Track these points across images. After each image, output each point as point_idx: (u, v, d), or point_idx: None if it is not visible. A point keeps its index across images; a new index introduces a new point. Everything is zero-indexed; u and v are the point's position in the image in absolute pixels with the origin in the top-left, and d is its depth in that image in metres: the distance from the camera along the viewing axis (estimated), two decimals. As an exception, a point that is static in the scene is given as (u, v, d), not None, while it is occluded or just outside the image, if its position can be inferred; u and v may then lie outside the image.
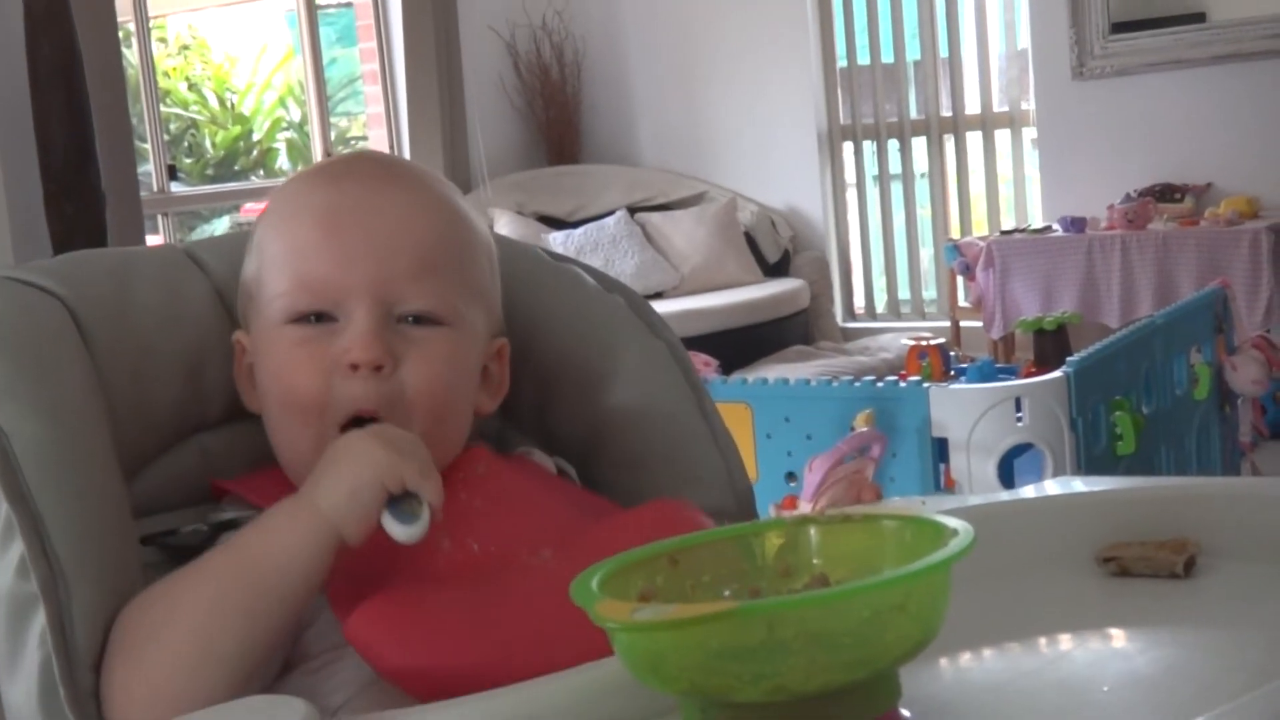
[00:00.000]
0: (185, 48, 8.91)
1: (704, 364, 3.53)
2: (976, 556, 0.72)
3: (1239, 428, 3.62)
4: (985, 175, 5.96)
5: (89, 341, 1.05)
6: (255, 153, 8.87)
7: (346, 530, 0.94)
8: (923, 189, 6.12)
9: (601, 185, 6.12)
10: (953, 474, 2.75)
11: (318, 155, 5.97)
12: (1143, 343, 3.09)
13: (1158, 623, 0.90)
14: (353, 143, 8.05)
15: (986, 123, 5.92)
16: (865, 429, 2.78)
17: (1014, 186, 5.94)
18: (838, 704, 0.70)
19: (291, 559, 0.93)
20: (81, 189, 3.09)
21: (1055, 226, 5.22)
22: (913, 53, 6.06)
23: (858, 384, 2.97)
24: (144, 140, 5.33)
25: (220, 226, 8.01)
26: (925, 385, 2.87)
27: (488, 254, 1.13)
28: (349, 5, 6.63)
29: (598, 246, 5.69)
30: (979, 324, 5.33)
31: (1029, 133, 5.80)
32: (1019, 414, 2.72)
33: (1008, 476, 2.75)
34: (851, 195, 6.23)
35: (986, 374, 3.18)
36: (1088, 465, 2.76)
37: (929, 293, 6.20)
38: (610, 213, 5.91)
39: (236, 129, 8.82)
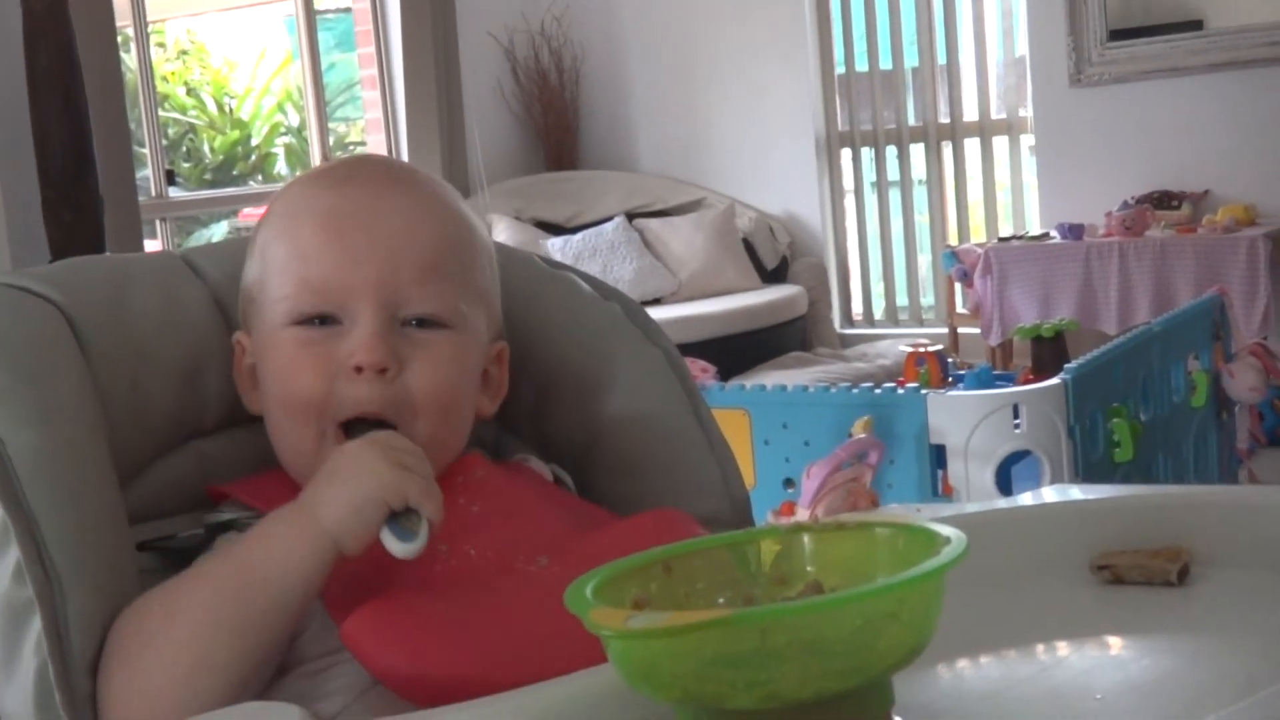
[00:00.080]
0: (184, 52, 8.92)
1: (702, 370, 3.53)
2: (971, 563, 0.72)
3: (1236, 435, 3.63)
4: (983, 182, 5.96)
5: (86, 348, 1.05)
6: (253, 158, 8.88)
7: (346, 543, 0.94)
8: (921, 196, 6.13)
9: (600, 191, 6.13)
10: (950, 481, 2.76)
11: (316, 160, 5.97)
12: (1140, 350, 3.09)
13: (1151, 630, 0.90)
14: (351, 148, 8.06)
15: (984, 129, 5.93)
16: (863, 435, 2.79)
17: (1012, 193, 5.95)
18: (831, 711, 0.70)
19: (289, 570, 0.94)
20: (79, 194, 3.09)
21: (1053, 233, 5.23)
22: (911, 60, 6.07)
23: (855, 391, 2.97)
24: (142, 145, 5.34)
25: (218, 231, 8.01)
26: (923, 392, 2.87)
27: (488, 257, 1.14)
28: (348, 10, 6.64)
29: (596, 252, 5.70)
30: (977, 331, 5.33)
31: (1027, 140, 5.81)
32: (1016, 421, 2.72)
33: (1005, 483, 2.75)
34: (850, 202, 6.23)
35: (984, 381, 3.18)
36: (1085, 472, 2.77)
37: (927, 299, 6.20)
38: (608, 219, 5.91)
39: (235, 134, 8.83)
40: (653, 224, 5.95)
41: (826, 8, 6.07)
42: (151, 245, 5.09)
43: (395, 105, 6.00)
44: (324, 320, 1.04)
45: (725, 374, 3.96)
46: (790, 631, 0.69)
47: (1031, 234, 5.39)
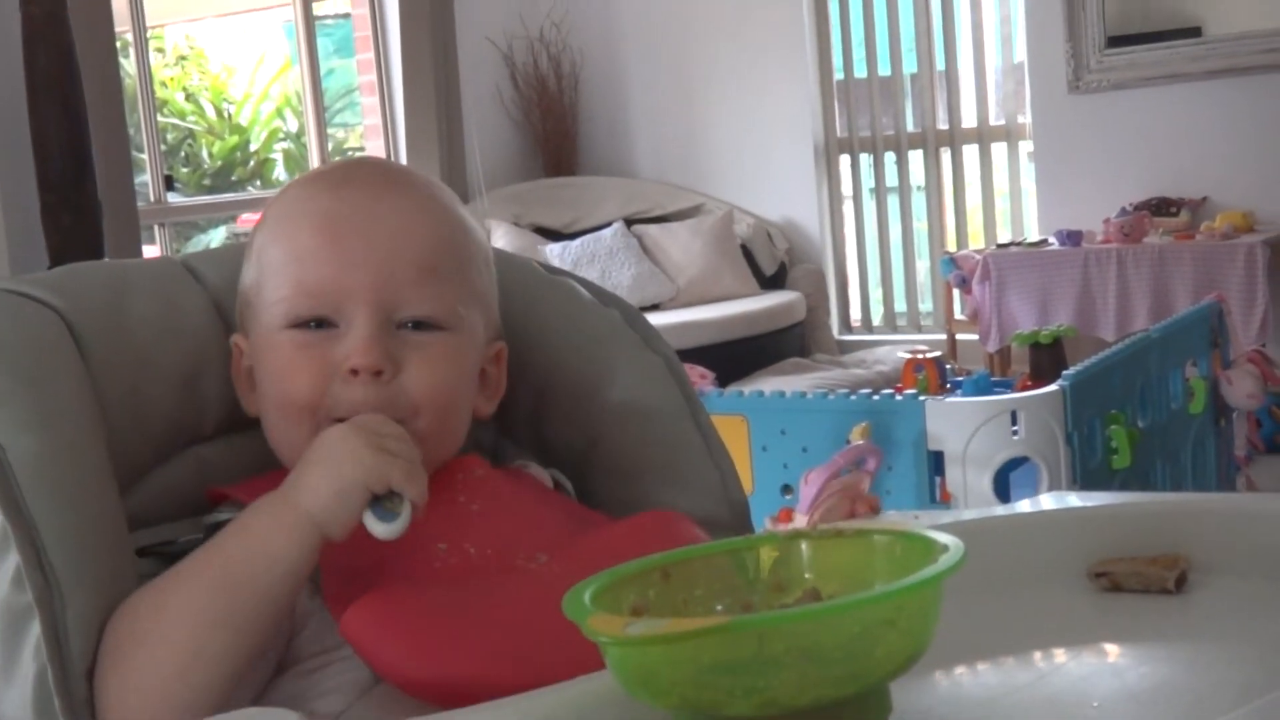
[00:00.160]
0: (183, 58, 8.92)
1: (700, 376, 3.53)
2: (969, 570, 0.72)
3: (1234, 442, 3.63)
4: (981, 188, 5.97)
5: (85, 353, 1.05)
6: (252, 163, 8.88)
7: (330, 529, 0.95)
8: (919, 202, 6.13)
9: (598, 197, 6.13)
10: (948, 487, 2.76)
11: (314, 166, 5.97)
12: (1138, 357, 3.09)
13: (1149, 638, 0.90)
14: (350, 153, 8.06)
15: (983, 136, 5.94)
16: (861, 442, 2.79)
17: (1010, 200, 5.95)
18: (829, 718, 0.70)
19: (275, 560, 0.94)
20: (78, 199, 3.09)
21: (1051, 240, 5.23)
22: (909, 66, 6.07)
23: (854, 397, 2.97)
24: (141, 151, 5.34)
25: (217, 237, 8.02)
26: (921, 398, 2.87)
27: (485, 258, 1.14)
28: (347, 16, 6.64)
29: (594, 258, 5.70)
30: (975, 337, 5.33)
31: (1025, 146, 5.81)
32: (1015, 427, 2.72)
33: (1003, 490, 2.75)
34: (848, 208, 6.23)
35: (982, 387, 3.18)
36: (1083, 479, 2.77)
37: (925, 305, 6.20)
38: (607, 224, 5.92)
39: (234, 139, 8.83)
40: (651, 230, 5.95)
41: (825, 13, 6.08)
42: (150, 251, 5.09)
43: (394, 111, 6.00)
44: (320, 323, 1.05)
45: (723, 380, 3.96)
46: (788, 639, 0.69)
47: (1030, 240, 5.39)
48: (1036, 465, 2.72)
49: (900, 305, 6.20)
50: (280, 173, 8.74)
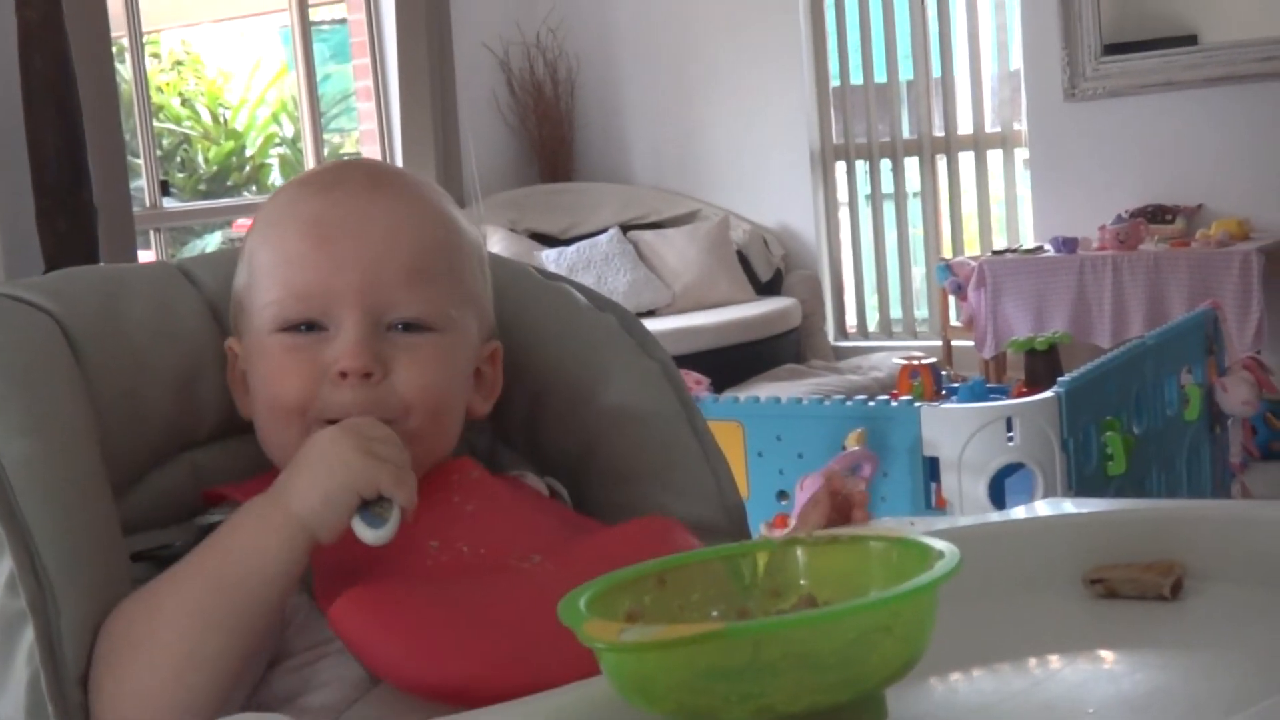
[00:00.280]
0: (179, 63, 8.92)
1: (696, 382, 3.53)
2: (964, 576, 0.72)
3: (1229, 449, 3.63)
4: (977, 195, 5.97)
5: (80, 358, 1.05)
6: (248, 168, 8.88)
7: (319, 533, 0.95)
8: (915, 208, 6.13)
9: (594, 203, 6.13)
10: (944, 493, 2.76)
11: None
12: (1134, 363, 3.09)
13: (1144, 645, 0.90)
14: (343, 159, 8.05)
15: (979, 143, 5.94)
16: (857, 448, 2.79)
17: (1006, 206, 5.96)
18: (824, 725, 0.70)
19: (266, 562, 0.94)
20: (74, 204, 3.09)
21: (1047, 247, 5.23)
22: (906, 73, 6.08)
23: (849, 403, 2.97)
24: (137, 156, 5.34)
25: (212, 242, 8.01)
26: (917, 405, 2.87)
27: (478, 258, 1.14)
28: (343, 22, 6.64)
29: (590, 264, 5.70)
30: (970, 343, 5.33)
31: (1021, 153, 5.82)
32: (1010, 434, 2.72)
33: (999, 496, 2.75)
34: (844, 214, 6.23)
35: (978, 394, 3.18)
36: (1079, 485, 2.77)
37: (921, 312, 6.21)
38: (603, 230, 5.92)
39: (229, 145, 8.82)
40: (647, 236, 5.95)
41: (822, 20, 6.08)
42: (146, 256, 5.09)
43: (390, 116, 6.00)
44: (310, 326, 1.05)
45: (719, 386, 3.96)
46: (783, 645, 0.69)
47: (1025, 247, 5.39)
48: (1032, 472, 2.72)
49: (896, 311, 6.20)
50: (276, 178, 8.74)
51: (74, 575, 0.95)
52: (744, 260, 5.92)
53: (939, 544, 0.75)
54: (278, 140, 8.88)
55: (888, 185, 6.15)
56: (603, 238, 5.86)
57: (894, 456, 2.81)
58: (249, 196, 7.95)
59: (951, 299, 5.50)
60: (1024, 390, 3.28)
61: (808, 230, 6.14)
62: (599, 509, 1.19)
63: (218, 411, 1.14)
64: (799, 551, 0.82)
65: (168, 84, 8.77)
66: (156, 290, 1.14)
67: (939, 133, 6.01)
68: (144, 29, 5.47)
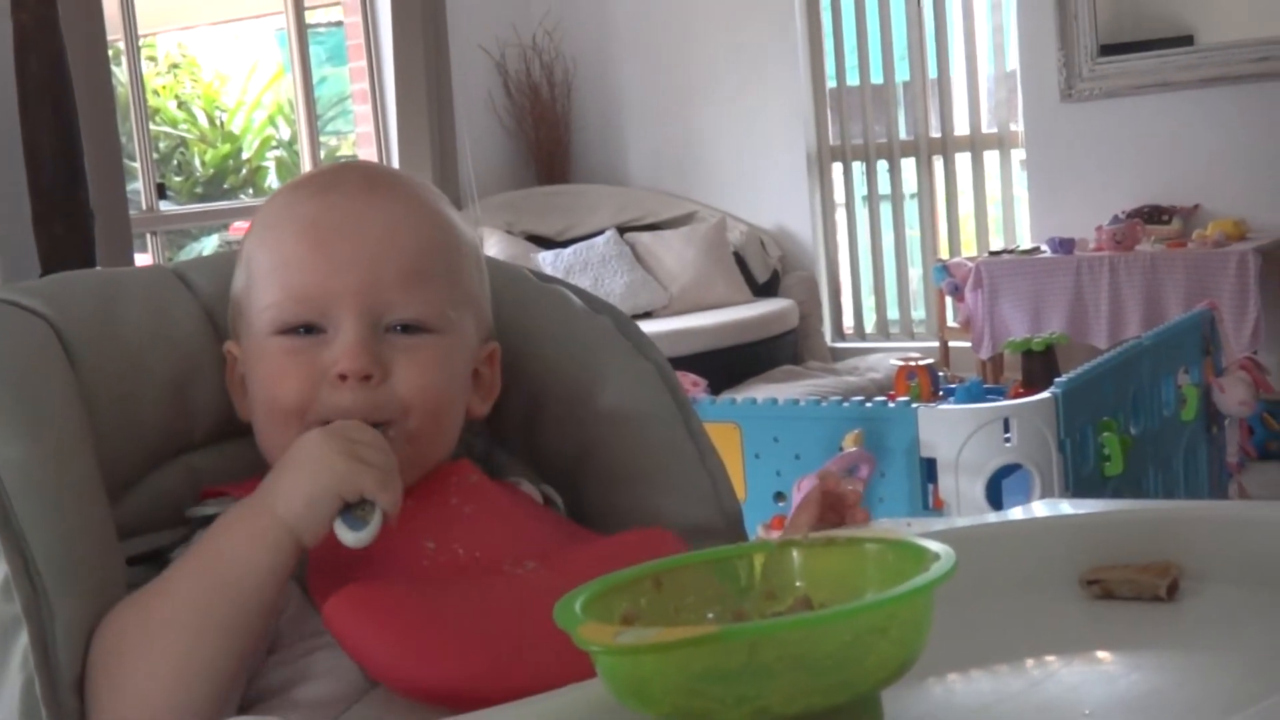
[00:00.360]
0: (175, 66, 8.92)
1: (693, 384, 3.53)
2: (961, 577, 0.72)
3: (1226, 449, 3.63)
4: (974, 196, 5.97)
5: (75, 362, 1.05)
6: (244, 171, 8.88)
7: (303, 536, 0.95)
8: (911, 209, 6.13)
9: (591, 205, 6.13)
10: (941, 494, 2.76)
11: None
12: (1131, 364, 3.10)
13: (1140, 646, 0.90)
14: (340, 161, 8.05)
15: (975, 144, 5.94)
16: (854, 449, 2.79)
17: (1002, 207, 5.96)
18: (820, 727, 0.70)
19: (253, 566, 0.94)
20: (70, 207, 3.09)
21: (1043, 247, 5.24)
22: (902, 74, 6.08)
23: (846, 404, 2.97)
24: (133, 159, 5.33)
25: (209, 245, 8.01)
26: (914, 406, 2.87)
27: (475, 259, 1.14)
28: (339, 24, 6.64)
29: (587, 266, 5.70)
30: (967, 344, 5.33)
31: (1018, 154, 5.82)
32: (1007, 435, 2.72)
33: (996, 497, 2.75)
34: (841, 215, 6.23)
35: (975, 395, 3.18)
36: (1076, 486, 2.77)
37: (917, 313, 6.21)
38: (600, 232, 5.92)
39: (226, 147, 8.82)
40: (644, 238, 5.95)
41: (818, 22, 6.08)
42: (142, 259, 5.08)
43: (386, 119, 6.00)
44: (308, 329, 1.05)
45: (716, 388, 3.96)
46: (779, 647, 0.69)
47: (1022, 248, 5.39)
48: (1029, 472, 2.72)
49: (893, 313, 6.20)
50: (273, 180, 8.74)
51: (69, 580, 0.95)
52: (741, 262, 5.93)
53: (935, 546, 0.75)
54: (274, 143, 8.89)
55: (884, 186, 6.15)
56: (599, 240, 5.86)
57: (891, 457, 2.81)
58: (246, 199, 7.95)
59: (948, 300, 5.50)
60: (1021, 391, 3.28)
61: (804, 231, 6.14)
62: (595, 511, 1.19)
63: (213, 415, 1.14)
64: (795, 553, 0.82)
65: (164, 87, 8.77)
66: (152, 294, 1.14)
67: (935, 134, 6.01)
68: (140, 32, 5.46)
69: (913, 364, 3.53)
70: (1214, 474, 3.53)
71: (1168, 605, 0.95)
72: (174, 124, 8.76)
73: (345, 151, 8.15)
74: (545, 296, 1.26)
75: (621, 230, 5.96)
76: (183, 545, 1.04)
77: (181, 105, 8.88)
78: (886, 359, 5.16)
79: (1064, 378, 2.85)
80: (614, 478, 1.20)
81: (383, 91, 6.00)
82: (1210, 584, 0.97)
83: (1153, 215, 5.20)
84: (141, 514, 1.10)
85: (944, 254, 5.89)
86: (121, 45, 5.31)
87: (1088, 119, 5.44)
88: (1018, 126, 5.75)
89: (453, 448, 1.11)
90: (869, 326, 6.26)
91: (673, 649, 0.68)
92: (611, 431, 1.20)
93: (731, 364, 5.23)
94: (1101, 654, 0.89)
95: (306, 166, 5.99)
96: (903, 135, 6.09)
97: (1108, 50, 5.40)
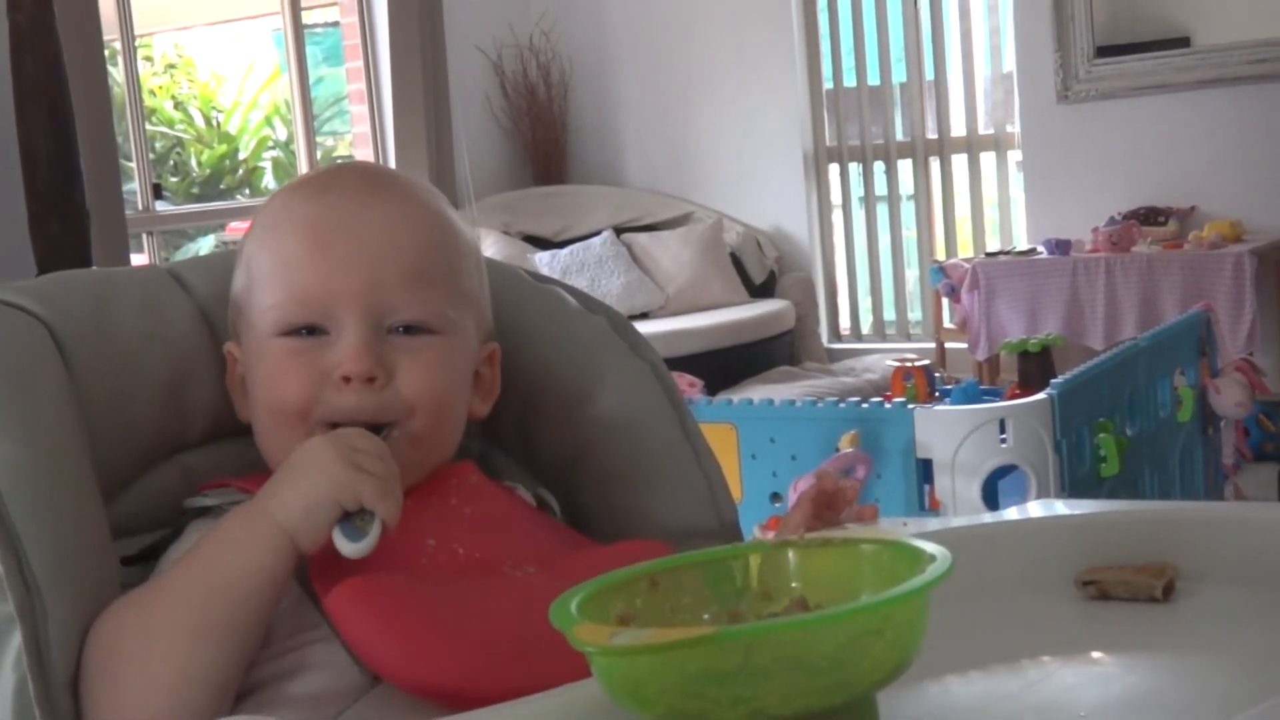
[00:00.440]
0: (171, 66, 8.91)
1: (689, 384, 3.53)
2: (957, 578, 0.72)
3: (1222, 450, 3.63)
4: (970, 197, 5.97)
5: (69, 361, 1.05)
6: (241, 171, 8.87)
7: (301, 542, 0.95)
8: (908, 210, 6.14)
9: (588, 206, 6.13)
10: (937, 495, 2.76)
11: (303, 174, 5.94)
12: (1127, 365, 3.10)
13: (1136, 647, 0.90)
14: (338, 161, 8.04)
15: (972, 145, 5.94)
16: (850, 450, 2.79)
17: (999, 209, 5.96)
18: (816, 728, 0.70)
19: (251, 571, 0.94)
20: (66, 207, 3.08)
21: (1040, 249, 5.24)
22: (898, 75, 6.08)
23: (843, 405, 2.97)
24: (129, 159, 5.33)
25: (205, 245, 8.00)
26: (910, 407, 2.87)
27: (475, 259, 1.14)
28: (336, 25, 6.63)
29: (584, 267, 5.70)
30: (964, 345, 5.34)
31: (1014, 155, 5.82)
32: (1003, 436, 2.72)
33: (992, 498, 2.75)
34: (837, 216, 6.24)
35: (971, 396, 3.18)
36: (1072, 487, 2.77)
37: (914, 314, 6.21)
38: (596, 233, 5.92)
39: (222, 148, 8.82)
40: (640, 238, 5.95)
41: (815, 23, 6.09)
42: (138, 259, 5.07)
43: (383, 119, 5.99)
44: (311, 331, 1.05)
45: (712, 388, 3.96)
46: (775, 648, 0.69)
47: (1019, 249, 5.40)
48: (1025, 473, 2.72)
49: (889, 314, 6.21)
50: (269, 181, 8.73)
51: (62, 579, 0.94)
52: (737, 262, 5.93)
53: (931, 547, 0.74)
54: (271, 143, 8.88)
55: (881, 187, 6.15)
56: (596, 240, 5.86)
57: (887, 458, 2.81)
58: (242, 200, 7.94)
59: (945, 301, 5.50)
60: (1017, 392, 3.27)
61: (801, 232, 6.14)
62: (591, 511, 1.19)
63: (208, 415, 1.13)
64: (791, 554, 0.82)
65: (160, 87, 8.76)
66: (146, 294, 1.14)
67: (932, 135, 6.01)
68: (136, 32, 5.46)
69: (909, 365, 3.53)
70: (1210, 475, 3.53)
71: (1164, 606, 0.95)
72: (170, 124, 8.75)
73: (342, 152, 8.15)
74: (540, 296, 1.26)
75: (618, 231, 5.96)
76: (176, 538, 1.04)
77: (178, 105, 8.87)
78: (883, 360, 5.17)
79: (1060, 379, 2.86)
80: (610, 478, 1.20)
81: (379, 92, 6.00)
82: (1206, 585, 0.97)
83: (1149, 217, 5.20)
84: (135, 514, 1.09)
85: (940, 255, 5.89)
86: (118, 45, 5.31)
87: (1084, 120, 5.45)
88: (1014, 128, 5.75)
89: (455, 449, 1.11)
90: (865, 327, 6.26)
91: (668, 650, 0.68)
92: (607, 432, 1.20)
93: (728, 365, 5.23)
94: (1097, 655, 0.89)
95: (303, 167, 5.99)
96: (899, 136, 6.09)
97: (1104, 52, 5.40)
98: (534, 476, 1.22)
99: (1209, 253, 4.82)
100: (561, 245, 5.88)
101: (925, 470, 2.78)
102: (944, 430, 2.73)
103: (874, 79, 6.10)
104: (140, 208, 5.32)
